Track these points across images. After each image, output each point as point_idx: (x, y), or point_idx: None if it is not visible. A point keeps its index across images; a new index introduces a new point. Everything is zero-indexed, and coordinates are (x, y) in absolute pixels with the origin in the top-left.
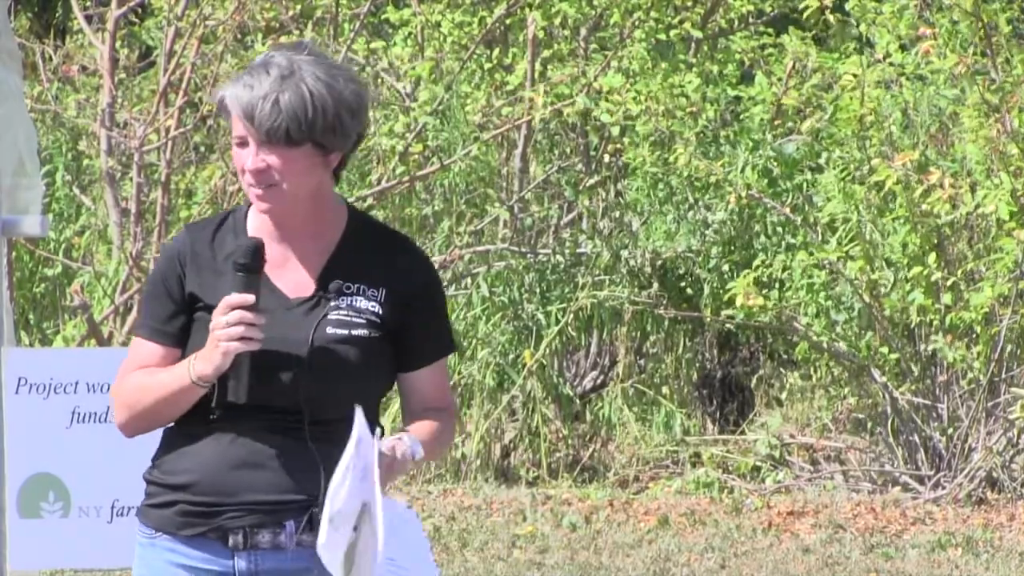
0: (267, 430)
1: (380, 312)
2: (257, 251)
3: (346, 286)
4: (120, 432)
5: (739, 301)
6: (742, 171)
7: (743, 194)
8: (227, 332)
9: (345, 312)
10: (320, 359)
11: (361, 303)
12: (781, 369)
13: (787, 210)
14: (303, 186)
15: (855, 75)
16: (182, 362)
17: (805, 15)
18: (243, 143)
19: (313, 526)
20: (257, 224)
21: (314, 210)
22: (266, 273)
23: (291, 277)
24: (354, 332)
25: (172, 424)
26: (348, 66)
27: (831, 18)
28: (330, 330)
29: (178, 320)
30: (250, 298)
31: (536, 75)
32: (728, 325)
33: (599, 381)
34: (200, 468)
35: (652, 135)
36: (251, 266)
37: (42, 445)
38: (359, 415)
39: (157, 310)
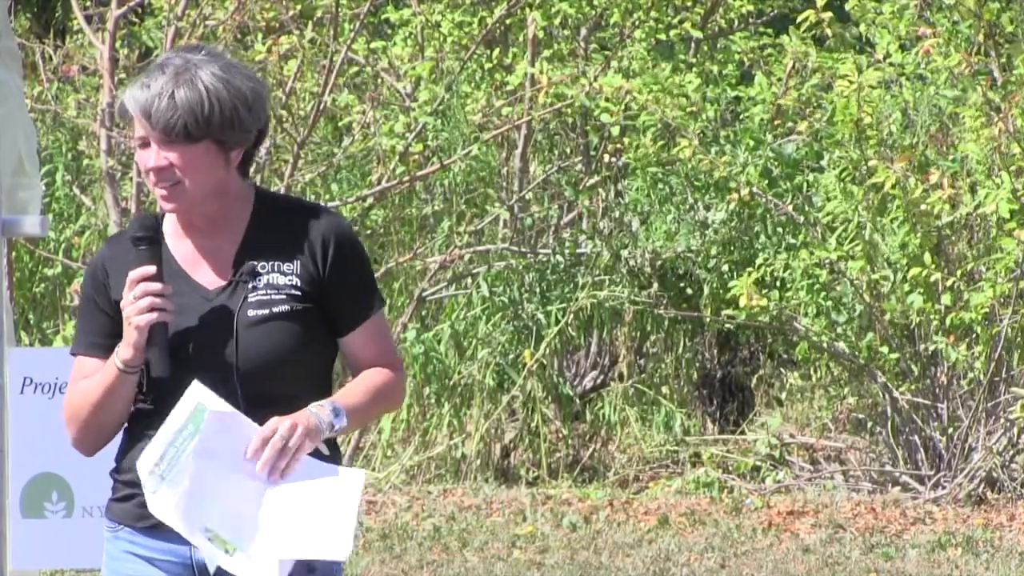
0: None
1: (299, 284)
2: (153, 222)
3: (260, 266)
4: (78, 451)
5: (742, 302)
6: (742, 171)
7: (744, 192)
8: (136, 307)
9: (263, 292)
10: (248, 343)
11: (278, 280)
12: (781, 369)
13: (789, 207)
14: (205, 183)
15: (851, 81)
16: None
17: (801, 28)
18: (145, 144)
19: None
20: (171, 227)
21: (221, 206)
22: (184, 270)
23: (208, 270)
24: (275, 309)
25: (127, 425)
26: (246, 65)
27: (828, 31)
28: (251, 312)
29: (112, 331)
30: (151, 269)
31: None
32: (728, 325)
33: (599, 381)
34: None
35: (656, 126)
36: (147, 237)
37: (47, 445)
38: (196, 388)
39: (92, 325)
